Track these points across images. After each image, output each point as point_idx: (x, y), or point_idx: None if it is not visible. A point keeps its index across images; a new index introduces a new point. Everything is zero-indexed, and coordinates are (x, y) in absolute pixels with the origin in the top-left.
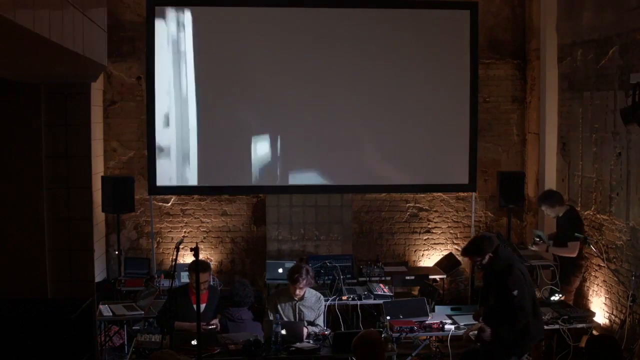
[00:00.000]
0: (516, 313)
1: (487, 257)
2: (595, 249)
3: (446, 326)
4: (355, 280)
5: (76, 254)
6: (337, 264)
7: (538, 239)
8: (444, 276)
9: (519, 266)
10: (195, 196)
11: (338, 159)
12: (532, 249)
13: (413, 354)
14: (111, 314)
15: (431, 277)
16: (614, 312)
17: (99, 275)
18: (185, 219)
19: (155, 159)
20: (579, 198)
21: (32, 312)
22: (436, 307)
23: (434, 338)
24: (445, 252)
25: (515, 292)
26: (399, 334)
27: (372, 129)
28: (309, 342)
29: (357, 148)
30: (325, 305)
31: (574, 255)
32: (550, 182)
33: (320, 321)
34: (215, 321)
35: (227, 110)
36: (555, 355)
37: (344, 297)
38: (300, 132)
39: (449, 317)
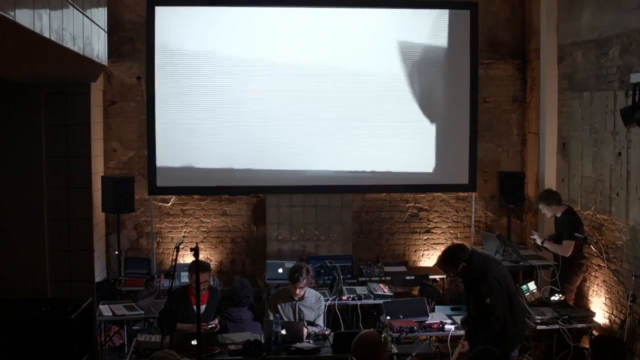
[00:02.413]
0: (489, 319)
1: (460, 267)
2: (595, 249)
3: (446, 326)
4: (355, 280)
5: (76, 254)
6: (337, 264)
7: (536, 240)
8: (444, 276)
9: (495, 273)
10: (195, 196)
11: (338, 159)
12: (534, 237)
13: (413, 354)
14: (111, 314)
15: (431, 277)
16: (614, 312)
17: (99, 275)
18: (185, 219)
19: (155, 159)
20: (579, 198)
21: (32, 312)
22: (436, 307)
23: (434, 338)
24: None
25: (488, 300)
26: (399, 334)
27: (372, 129)
28: (309, 342)
29: (358, 148)
30: (325, 305)
31: (567, 255)
32: (550, 182)
33: (320, 321)
34: (215, 321)
35: (226, 110)
36: (555, 355)
37: (344, 297)
38: (300, 132)
39: (449, 317)
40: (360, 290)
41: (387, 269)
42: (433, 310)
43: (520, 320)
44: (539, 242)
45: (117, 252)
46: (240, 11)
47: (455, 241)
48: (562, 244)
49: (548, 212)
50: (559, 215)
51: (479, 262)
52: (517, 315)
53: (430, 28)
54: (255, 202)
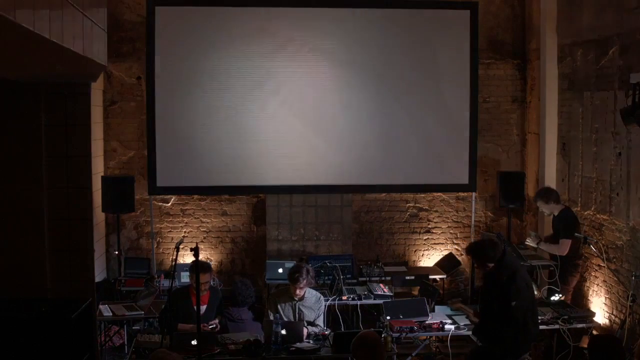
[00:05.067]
0: (508, 322)
1: (488, 266)
2: (595, 249)
3: (446, 326)
4: (355, 280)
5: (76, 254)
6: (337, 264)
7: (531, 239)
8: (444, 276)
9: (523, 275)
10: (195, 196)
11: (338, 159)
12: (527, 243)
13: (413, 354)
14: (111, 314)
15: (431, 277)
16: (614, 312)
17: (99, 275)
18: (185, 219)
19: (155, 159)
20: (579, 198)
21: (32, 312)
22: (436, 307)
23: (434, 338)
24: (445, 252)
25: (514, 304)
26: (399, 334)
27: (372, 129)
28: (309, 342)
29: (357, 148)
30: (325, 305)
31: (563, 254)
32: (550, 182)
33: (320, 321)
34: (216, 321)
35: (227, 110)
36: (555, 355)
37: (344, 297)
38: (300, 132)
39: (449, 317)
40: (360, 290)
41: (387, 269)
42: (433, 310)
43: (537, 324)
44: (533, 244)
45: (117, 252)
46: (241, 11)
47: (455, 241)
48: (559, 243)
49: (546, 210)
50: (556, 213)
51: (509, 263)
52: (536, 320)
53: (430, 28)
54: (255, 202)
